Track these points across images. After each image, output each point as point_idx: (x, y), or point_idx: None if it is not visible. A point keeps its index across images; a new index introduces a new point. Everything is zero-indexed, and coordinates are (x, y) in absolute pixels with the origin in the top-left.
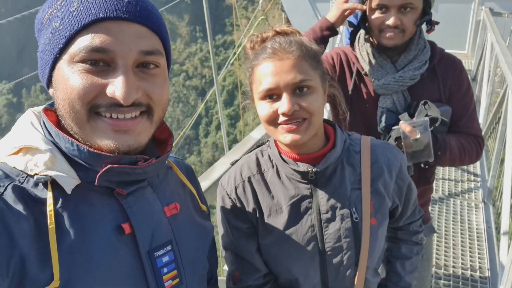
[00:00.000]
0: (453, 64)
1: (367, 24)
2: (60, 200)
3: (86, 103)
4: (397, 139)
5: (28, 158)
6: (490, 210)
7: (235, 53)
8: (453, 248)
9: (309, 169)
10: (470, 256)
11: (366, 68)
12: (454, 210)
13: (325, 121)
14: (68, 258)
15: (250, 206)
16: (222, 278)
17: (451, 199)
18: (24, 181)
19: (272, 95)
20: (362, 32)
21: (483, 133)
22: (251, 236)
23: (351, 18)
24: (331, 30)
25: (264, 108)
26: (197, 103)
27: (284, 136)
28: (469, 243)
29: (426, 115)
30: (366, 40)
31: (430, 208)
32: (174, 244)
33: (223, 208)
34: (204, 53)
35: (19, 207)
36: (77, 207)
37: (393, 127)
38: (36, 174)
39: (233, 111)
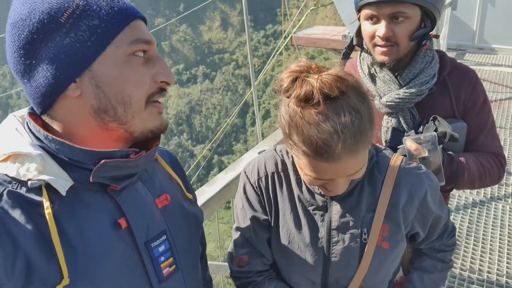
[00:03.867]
0: (466, 75)
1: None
2: (56, 202)
3: (145, 93)
4: None
5: (19, 165)
6: None
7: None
8: (490, 254)
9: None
10: (507, 263)
11: (368, 84)
12: (495, 215)
13: None
14: (71, 256)
15: (268, 201)
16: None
17: (493, 203)
18: (17, 186)
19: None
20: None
21: None
22: (265, 227)
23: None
24: None
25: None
26: (245, 92)
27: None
28: (507, 249)
29: (435, 130)
30: (366, 53)
31: (469, 211)
32: (168, 234)
33: (243, 195)
34: (254, 43)
35: (17, 211)
36: (73, 207)
37: (398, 146)
38: (29, 179)
39: (280, 101)
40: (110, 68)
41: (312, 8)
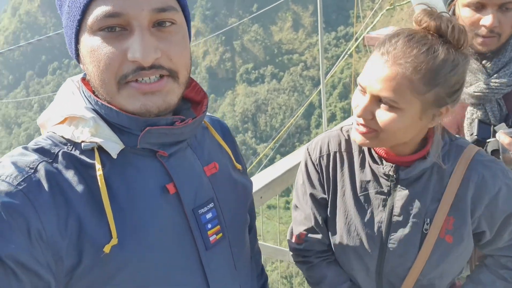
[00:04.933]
0: None
1: None
2: (107, 164)
3: (113, 74)
4: (494, 153)
5: (74, 127)
6: None
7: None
8: None
9: (390, 172)
10: None
11: None
12: None
13: None
14: (120, 218)
15: (327, 180)
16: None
17: None
18: (72, 148)
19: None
20: None
21: None
22: (323, 206)
23: None
24: None
25: (355, 95)
26: (311, 93)
27: (353, 131)
28: None
29: None
30: None
31: None
32: (216, 202)
33: (304, 171)
34: (325, 44)
35: (71, 171)
36: (123, 170)
37: (488, 140)
38: (82, 141)
39: (347, 104)
40: (85, 45)
41: (387, 8)
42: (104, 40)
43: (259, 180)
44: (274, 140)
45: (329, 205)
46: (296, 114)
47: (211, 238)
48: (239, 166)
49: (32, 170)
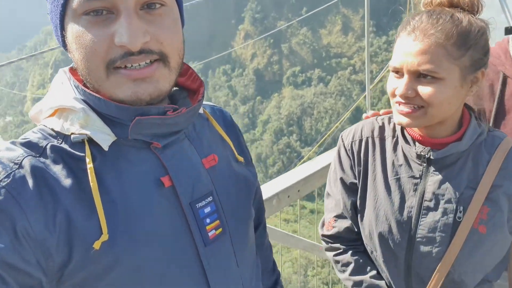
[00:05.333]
0: None
1: None
2: (98, 157)
3: (101, 60)
4: None
5: (64, 119)
6: None
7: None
8: None
9: (423, 153)
10: None
11: None
12: None
13: (466, 106)
14: (112, 212)
15: (358, 164)
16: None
17: None
18: (62, 141)
19: (398, 71)
20: None
21: None
22: (353, 192)
23: None
24: None
25: (389, 81)
26: (359, 98)
27: (396, 115)
28: None
29: None
30: None
31: None
32: (215, 195)
33: (336, 157)
34: (374, 48)
35: (59, 165)
36: (115, 163)
37: None
38: (72, 133)
39: None
40: (70, 31)
41: None
42: (90, 24)
43: (297, 174)
44: (318, 144)
45: (359, 191)
46: (341, 118)
47: (210, 234)
48: (241, 159)
49: (17, 166)
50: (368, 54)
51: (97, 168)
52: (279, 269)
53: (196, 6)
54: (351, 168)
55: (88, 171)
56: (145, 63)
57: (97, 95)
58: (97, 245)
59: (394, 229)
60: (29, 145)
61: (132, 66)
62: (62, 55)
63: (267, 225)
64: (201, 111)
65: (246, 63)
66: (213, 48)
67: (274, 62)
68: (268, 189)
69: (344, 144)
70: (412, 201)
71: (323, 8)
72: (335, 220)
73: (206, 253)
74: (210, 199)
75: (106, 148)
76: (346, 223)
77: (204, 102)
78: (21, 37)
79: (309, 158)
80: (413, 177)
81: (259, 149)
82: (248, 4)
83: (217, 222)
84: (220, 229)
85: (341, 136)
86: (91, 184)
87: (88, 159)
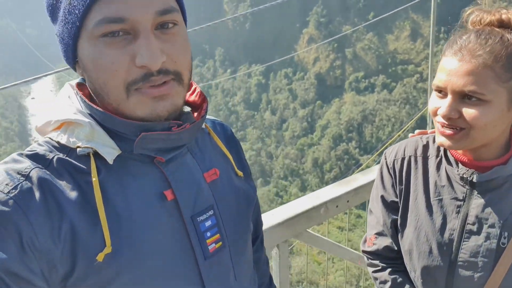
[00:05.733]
0: None
1: None
2: (103, 171)
3: (121, 81)
4: None
5: (70, 132)
6: None
7: None
8: None
9: (467, 176)
10: None
11: None
12: None
13: None
14: (115, 225)
15: (399, 183)
16: None
17: None
18: (67, 154)
19: (441, 91)
20: None
21: None
22: (394, 211)
23: None
24: None
25: (432, 99)
26: (425, 107)
27: (438, 136)
28: None
29: None
30: None
31: None
32: (216, 209)
33: (379, 174)
34: None
35: (65, 178)
36: (119, 176)
37: None
38: (78, 146)
39: None
40: (86, 52)
41: None
42: (107, 46)
43: (347, 184)
44: (378, 152)
45: (400, 209)
46: (404, 127)
47: (210, 247)
48: (240, 173)
49: (24, 178)
50: (432, 63)
51: (102, 181)
52: (332, 276)
53: (263, 10)
54: (393, 186)
55: (93, 184)
56: (161, 81)
57: (103, 110)
58: (100, 257)
59: (435, 251)
60: (36, 157)
61: (155, 85)
62: None
63: (314, 233)
64: (203, 124)
65: (308, 67)
66: (276, 52)
67: (336, 66)
68: (316, 198)
69: (386, 162)
70: (454, 224)
71: (391, 13)
72: (376, 238)
73: (205, 266)
74: (211, 212)
75: (110, 162)
76: (386, 241)
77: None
78: None
79: (367, 166)
80: (456, 199)
81: (316, 154)
82: (314, 8)
83: (217, 236)
84: (220, 243)
85: (385, 153)
86: (95, 196)
87: (93, 172)
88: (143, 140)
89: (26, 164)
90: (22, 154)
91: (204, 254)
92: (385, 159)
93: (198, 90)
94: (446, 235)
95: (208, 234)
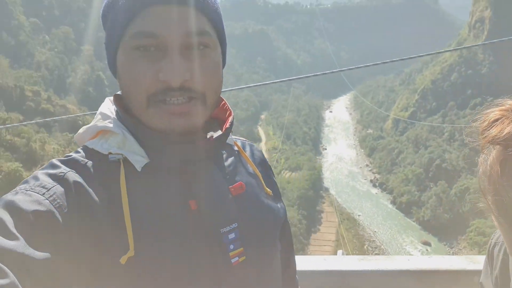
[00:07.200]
0: None
1: None
2: (131, 177)
3: (144, 92)
4: None
5: (104, 140)
6: None
7: None
8: None
9: None
10: None
11: None
12: None
13: None
14: (139, 230)
15: (494, 269)
16: None
17: None
18: (100, 160)
19: None
20: None
21: None
22: None
23: None
24: None
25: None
26: None
27: None
28: None
29: None
30: None
31: None
32: (241, 223)
33: (485, 257)
34: None
35: (96, 182)
36: (146, 184)
37: None
38: (110, 153)
39: None
40: (121, 61)
41: None
42: (139, 58)
43: None
44: None
45: None
46: None
47: (233, 260)
48: (269, 191)
49: (59, 181)
50: None
51: (129, 187)
52: None
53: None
54: (491, 273)
55: (121, 189)
56: (183, 98)
57: (135, 122)
58: (123, 260)
59: None
60: (71, 162)
61: (171, 100)
62: (431, 84)
63: None
64: (232, 142)
65: None
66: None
67: None
68: None
69: (490, 245)
70: None
71: None
72: None
73: (227, 278)
74: (235, 225)
75: (139, 169)
76: None
77: (235, 137)
78: (400, 63)
79: None
80: None
81: None
82: None
83: (241, 249)
84: (244, 257)
85: (494, 234)
86: (122, 201)
87: (121, 178)
88: (169, 151)
89: (62, 169)
90: (59, 159)
91: (227, 266)
92: (490, 240)
93: (226, 105)
94: None
95: (232, 246)
